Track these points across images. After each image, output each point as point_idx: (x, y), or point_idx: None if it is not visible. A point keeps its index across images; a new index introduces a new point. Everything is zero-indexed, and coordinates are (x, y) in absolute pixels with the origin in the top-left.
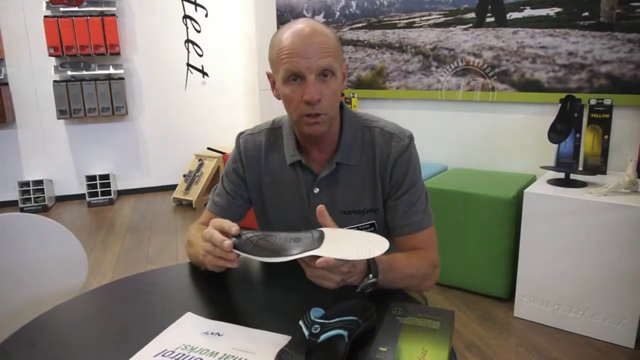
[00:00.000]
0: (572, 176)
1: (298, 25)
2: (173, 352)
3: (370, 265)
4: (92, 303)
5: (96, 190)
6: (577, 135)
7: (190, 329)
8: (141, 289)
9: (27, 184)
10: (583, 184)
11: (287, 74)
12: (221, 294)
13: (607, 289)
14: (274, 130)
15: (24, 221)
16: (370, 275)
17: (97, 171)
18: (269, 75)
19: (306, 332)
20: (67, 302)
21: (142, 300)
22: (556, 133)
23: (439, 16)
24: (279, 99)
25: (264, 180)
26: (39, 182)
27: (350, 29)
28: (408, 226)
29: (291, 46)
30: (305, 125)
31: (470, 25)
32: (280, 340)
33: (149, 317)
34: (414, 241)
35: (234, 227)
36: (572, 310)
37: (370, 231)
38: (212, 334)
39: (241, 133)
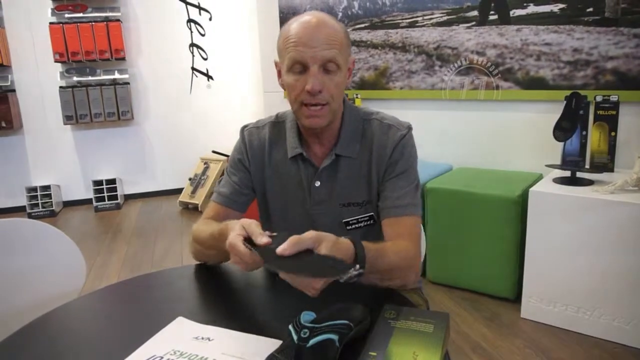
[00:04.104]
0: (579, 174)
1: (307, 17)
2: (162, 357)
3: (358, 254)
4: (84, 308)
5: (103, 195)
6: (583, 132)
7: (181, 334)
8: (134, 293)
9: (34, 189)
10: (590, 182)
11: (291, 62)
12: (213, 298)
13: (616, 288)
14: (277, 124)
15: (20, 226)
16: (357, 266)
17: (104, 176)
18: (276, 64)
19: (295, 337)
20: (58, 308)
21: (134, 304)
22: (562, 131)
23: (441, 15)
24: (284, 88)
25: (267, 173)
26: (47, 188)
27: (353, 30)
28: (394, 208)
29: (297, 35)
30: (304, 117)
31: (474, 23)
32: (270, 344)
33: (140, 322)
34: (398, 226)
35: (264, 238)
36: (580, 310)
37: (370, 224)
38: (202, 338)
39: (245, 126)
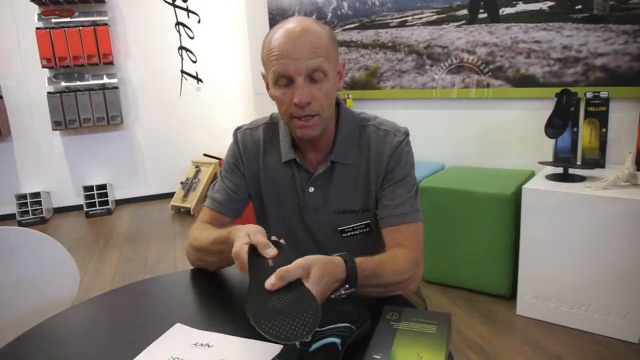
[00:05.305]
0: (571, 171)
1: (288, 25)
2: None
3: (349, 274)
4: (80, 316)
5: (94, 200)
6: (575, 129)
7: (179, 341)
8: (130, 301)
9: (24, 196)
10: (582, 179)
11: (276, 76)
12: (211, 303)
13: (610, 283)
14: (272, 125)
15: (10, 235)
16: (347, 286)
17: (94, 181)
18: (263, 76)
19: (297, 341)
20: (54, 316)
21: (131, 312)
22: (553, 128)
23: (431, 14)
24: (274, 100)
25: (262, 176)
26: (36, 195)
27: (343, 30)
28: (393, 217)
29: (279, 47)
30: (296, 129)
31: (463, 22)
32: (271, 350)
33: (137, 330)
34: (398, 235)
35: (269, 251)
36: (575, 306)
37: (366, 232)
38: (202, 345)
39: (238, 128)
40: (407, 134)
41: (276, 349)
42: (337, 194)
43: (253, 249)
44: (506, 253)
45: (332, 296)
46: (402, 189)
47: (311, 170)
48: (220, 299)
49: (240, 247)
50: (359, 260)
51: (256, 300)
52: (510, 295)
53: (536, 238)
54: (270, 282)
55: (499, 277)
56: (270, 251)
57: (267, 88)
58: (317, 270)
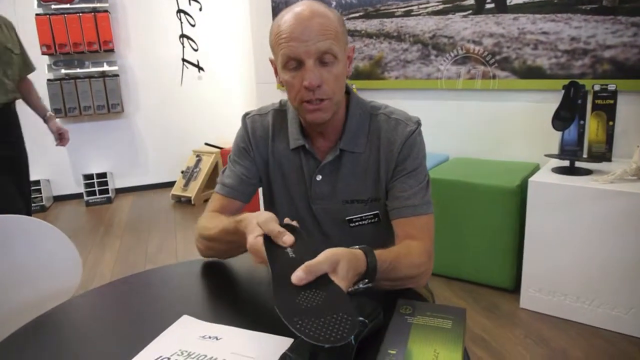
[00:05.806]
0: (577, 164)
1: (297, 9)
2: (169, 358)
3: (369, 268)
4: (84, 307)
5: (94, 189)
6: (581, 122)
7: (187, 333)
8: (135, 292)
9: None
10: (588, 172)
11: (285, 59)
12: (219, 295)
13: (615, 278)
14: (281, 112)
15: (11, 223)
16: (366, 280)
17: (95, 170)
18: (271, 62)
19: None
20: (57, 307)
21: (136, 303)
22: (560, 120)
23: (437, 3)
24: (283, 85)
25: (271, 162)
26: (36, 183)
27: (347, 19)
28: (405, 208)
29: (289, 30)
30: (306, 113)
31: (470, 12)
32: (282, 343)
33: (143, 322)
34: (410, 227)
35: (287, 238)
36: (579, 300)
37: (374, 222)
38: (210, 337)
39: (247, 113)
40: (419, 123)
41: (287, 342)
42: (346, 183)
43: (268, 239)
44: (510, 246)
45: (349, 290)
46: (414, 180)
47: (319, 158)
48: (227, 291)
49: (255, 240)
50: (377, 253)
51: (285, 297)
52: (514, 289)
53: (541, 231)
54: (298, 277)
55: (503, 270)
56: (287, 239)
57: (276, 73)
58: (344, 265)
